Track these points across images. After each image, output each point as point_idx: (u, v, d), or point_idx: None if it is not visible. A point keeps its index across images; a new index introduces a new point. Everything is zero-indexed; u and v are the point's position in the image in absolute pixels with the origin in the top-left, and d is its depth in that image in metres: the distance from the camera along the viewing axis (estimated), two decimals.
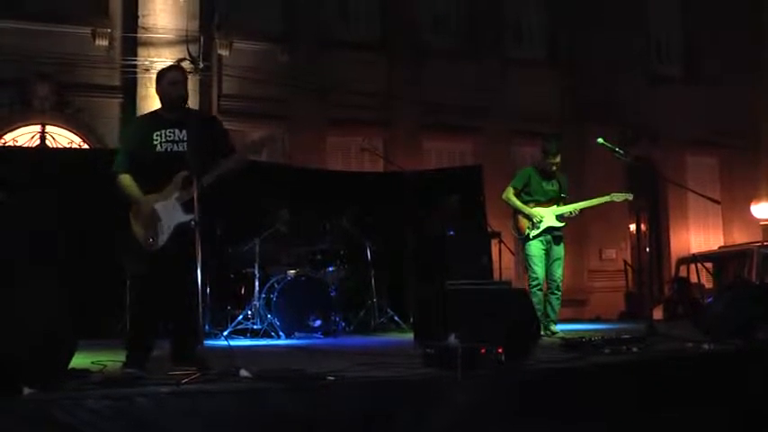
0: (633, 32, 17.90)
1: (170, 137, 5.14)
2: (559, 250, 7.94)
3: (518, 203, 7.99)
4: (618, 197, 8.04)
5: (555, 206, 7.92)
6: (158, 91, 5.30)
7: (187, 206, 4.94)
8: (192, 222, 4.82)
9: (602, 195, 8.10)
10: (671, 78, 18.64)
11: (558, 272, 7.91)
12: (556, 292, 7.86)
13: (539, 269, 7.85)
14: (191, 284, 4.84)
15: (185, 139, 5.13)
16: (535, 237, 7.87)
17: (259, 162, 12.67)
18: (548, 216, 7.88)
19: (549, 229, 7.88)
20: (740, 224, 18.50)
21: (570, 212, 7.96)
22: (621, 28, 17.48)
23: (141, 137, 5.19)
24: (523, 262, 8.23)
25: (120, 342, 5.48)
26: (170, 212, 5.01)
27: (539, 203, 7.93)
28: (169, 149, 5.11)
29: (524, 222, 7.95)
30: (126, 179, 5.14)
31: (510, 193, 8.07)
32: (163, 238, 4.98)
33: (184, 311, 5.06)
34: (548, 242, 7.91)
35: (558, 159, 7.94)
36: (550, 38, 17.74)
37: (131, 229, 5.09)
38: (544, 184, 8.01)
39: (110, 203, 8.99)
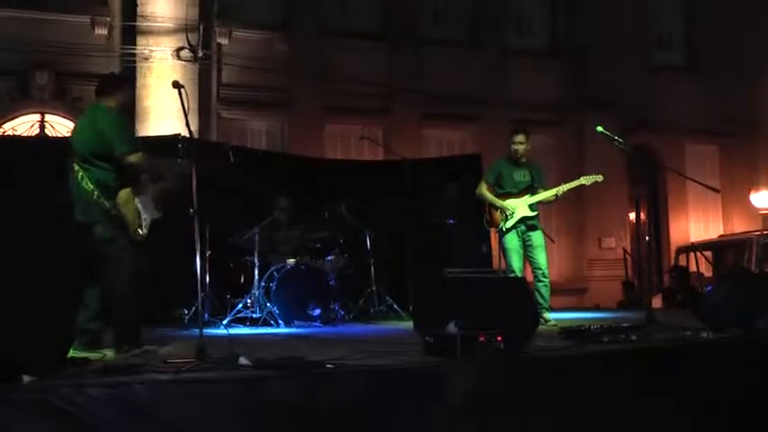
0: (633, 22, 17.86)
1: None
2: (537, 237, 7.94)
3: (489, 197, 8.04)
4: (588, 180, 8.00)
5: (527, 195, 7.93)
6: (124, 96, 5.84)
7: (157, 204, 5.40)
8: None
9: (573, 180, 8.08)
10: (671, 67, 18.63)
11: (541, 259, 7.89)
12: (543, 279, 7.84)
13: (515, 263, 7.87)
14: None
15: None
16: (509, 229, 7.89)
17: (258, 151, 12.69)
18: (519, 207, 7.90)
19: (522, 219, 7.90)
20: (740, 213, 18.51)
21: (545, 200, 7.95)
22: (622, 17, 17.45)
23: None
24: (502, 255, 8.22)
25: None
26: (148, 208, 5.35)
27: (511, 195, 7.96)
28: None
29: (498, 215, 7.99)
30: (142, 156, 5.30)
31: (482, 188, 8.12)
32: (145, 231, 5.27)
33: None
34: (522, 232, 7.93)
35: (519, 145, 7.97)
36: (551, 27, 17.70)
37: (121, 214, 5.22)
38: (515, 174, 8.04)
39: None
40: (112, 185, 5.22)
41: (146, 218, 5.28)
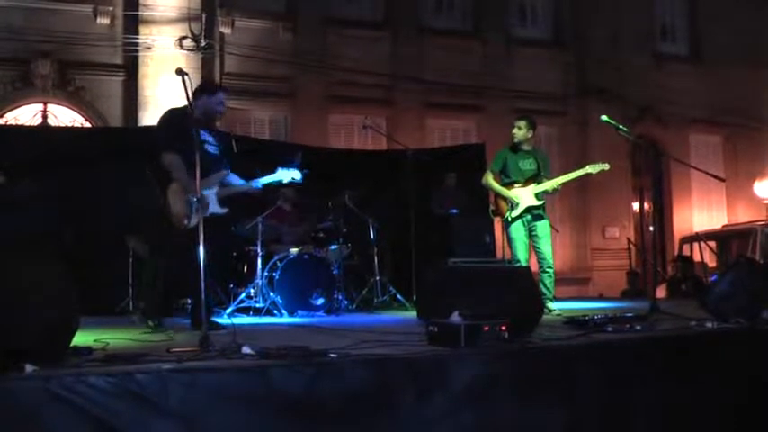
0: (638, 11, 17.82)
1: (206, 138, 6.06)
2: (542, 227, 7.92)
3: (496, 186, 8.03)
4: (594, 168, 7.97)
5: (534, 185, 7.90)
6: (204, 102, 6.11)
7: (222, 202, 6.03)
8: (226, 211, 5.97)
9: (579, 169, 8.07)
10: (675, 57, 18.59)
11: (546, 249, 7.88)
12: (548, 270, 7.83)
13: (520, 253, 7.86)
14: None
15: (216, 144, 6.19)
16: (515, 219, 7.87)
17: (260, 140, 12.68)
18: (525, 196, 7.87)
19: (528, 209, 7.88)
20: (744, 202, 18.49)
21: (551, 189, 7.92)
22: (626, 7, 17.41)
23: (182, 131, 5.55)
24: (507, 244, 8.22)
25: (122, 319, 5.66)
26: (209, 202, 5.91)
27: (517, 184, 7.93)
28: (208, 150, 6.01)
29: (504, 205, 7.97)
30: (176, 159, 5.80)
31: (488, 178, 8.11)
32: (195, 220, 5.65)
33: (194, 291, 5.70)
34: (528, 222, 7.91)
35: (518, 131, 7.99)
36: (555, 17, 17.65)
37: (166, 205, 5.77)
38: (520, 163, 8.02)
39: (112, 180, 9.01)
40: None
41: (196, 210, 5.64)
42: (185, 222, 5.74)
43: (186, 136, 5.35)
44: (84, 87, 13.64)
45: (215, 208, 5.98)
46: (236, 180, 6.30)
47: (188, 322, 6.13)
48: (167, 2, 13.53)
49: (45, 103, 13.63)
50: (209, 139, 6.11)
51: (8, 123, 13.07)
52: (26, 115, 13.52)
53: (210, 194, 5.95)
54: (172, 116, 6.00)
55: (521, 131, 8.00)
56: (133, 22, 13.62)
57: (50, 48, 13.15)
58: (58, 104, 13.68)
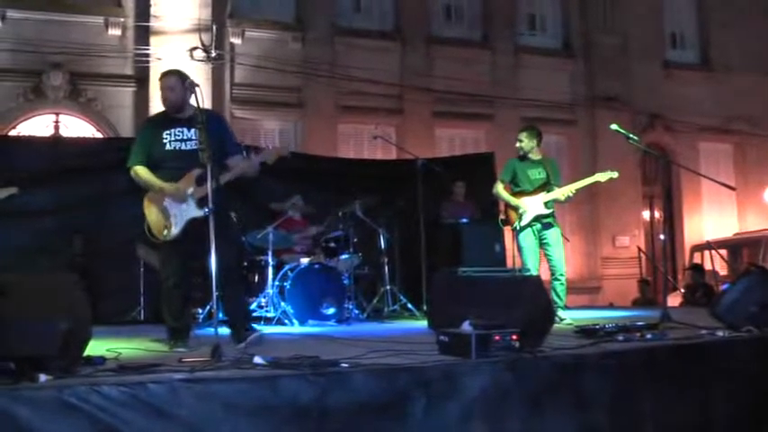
0: (647, 19, 17.81)
1: (178, 136, 5.48)
2: (553, 235, 7.89)
3: (505, 195, 8.03)
4: (603, 176, 7.96)
5: (543, 193, 7.89)
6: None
7: (201, 202, 5.28)
8: (205, 212, 5.04)
9: (588, 177, 8.07)
10: (685, 65, 18.56)
11: (557, 256, 7.85)
12: (559, 277, 7.80)
13: (530, 261, 7.84)
14: (232, 272, 5.50)
15: (194, 137, 5.43)
16: (524, 227, 7.87)
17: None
18: (534, 205, 7.85)
19: (537, 217, 7.87)
20: (755, 210, 18.42)
21: (563, 197, 7.91)
22: (635, 15, 17.41)
23: (152, 135, 5.54)
24: (518, 253, 8.21)
25: (134, 329, 5.62)
26: (182, 207, 5.39)
27: (526, 193, 7.94)
28: (177, 148, 5.45)
29: (513, 214, 7.97)
30: (141, 170, 5.50)
31: (499, 187, 8.11)
32: (175, 230, 5.36)
33: (230, 300, 5.66)
34: (538, 230, 7.90)
35: (528, 144, 7.96)
36: (563, 25, 17.65)
37: (144, 218, 5.47)
38: (530, 172, 8.01)
39: (124, 191, 9.06)
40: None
41: (179, 218, 5.37)
42: (165, 233, 5.38)
43: (153, 142, 5.48)
44: (95, 98, 13.72)
45: (193, 212, 5.36)
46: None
47: (196, 333, 6.11)
48: (178, 13, 13.60)
49: (57, 114, 13.71)
50: (185, 133, 5.50)
51: (21, 134, 13.14)
52: (38, 126, 13.60)
53: (179, 199, 5.38)
54: (141, 127, 5.93)
55: (522, 143, 8.01)
56: (144, 33, 13.70)
57: (62, 59, 13.23)
58: (70, 115, 13.76)
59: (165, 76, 5.65)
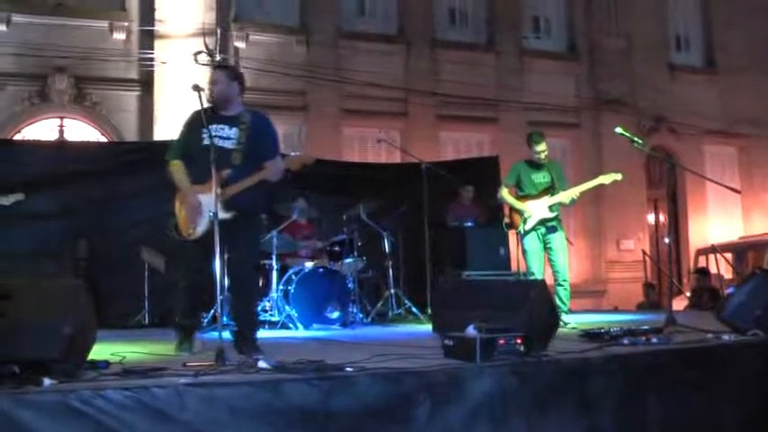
0: (651, 22, 17.79)
1: (218, 132, 5.37)
2: (557, 239, 7.90)
3: (509, 199, 8.06)
4: (607, 179, 7.98)
5: (547, 197, 7.88)
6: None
7: (227, 204, 5.21)
8: (232, 214, 5.17)
9: (592, 180, 8.06)
10: (689, 67, 18.52)
11: (561, 261, 7.86)
12: (563, 283, 7.81)
13: (534, 265, 7.84)
14: (248, 277, 5.58)
15: (233, 137, 5.41)
16: (528, 231, 7.87)
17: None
18: (538, 209, 7.86)
19: (542, 221, 7.87)
20: (760, 213, 18.37)
21: (568, 200, 7.89)
22: (640, 17, 17.39)
23: (192, 129, 5.47)
24: (522, 257, 8.20)
25: (138, 333, 5.61)
26: (210, 208, 5.17)
27: (530, 196, 7.93)
28: (215, 144, 5.22)
29: (518, 218, 7.99)
30: (176, 165, 5.50)
31: (503, 191, 8.15)
32: (201, 229, 5.28)
33: (240, 304, 5.65)
34: (543, 234, 7.90)
35: (540, 148, 7.91)
36: (568, 28, 17.64)
37: (174, 215, 5.46)
38: (534, 176, 8.00)
39: (128, 195, 9.09)
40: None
41: (208, 217, 5.18)
42: (190, 231, 5.32)
43: (192, 136, 5.43)
44: (100, 102, 13.73)
45: (220, 213, 5.05)
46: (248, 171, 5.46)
47: (200, 336, 6.09)
48: (182, 17, 13.61)
49: (62, 118, 13.72)
50: (225, 131, 5.44)
51: (25, 139, 13.16)
52: (43, 130, 13.62)
53: (210, 198, 5.04)
54: (185, 119, 5.72)
55: (545, 152, 7.96)
56: (148, 37, 13.71)
57: (67, 63, 13.25)
58: (75, 119, 13.77)
59: (213, 70, 5.69)
